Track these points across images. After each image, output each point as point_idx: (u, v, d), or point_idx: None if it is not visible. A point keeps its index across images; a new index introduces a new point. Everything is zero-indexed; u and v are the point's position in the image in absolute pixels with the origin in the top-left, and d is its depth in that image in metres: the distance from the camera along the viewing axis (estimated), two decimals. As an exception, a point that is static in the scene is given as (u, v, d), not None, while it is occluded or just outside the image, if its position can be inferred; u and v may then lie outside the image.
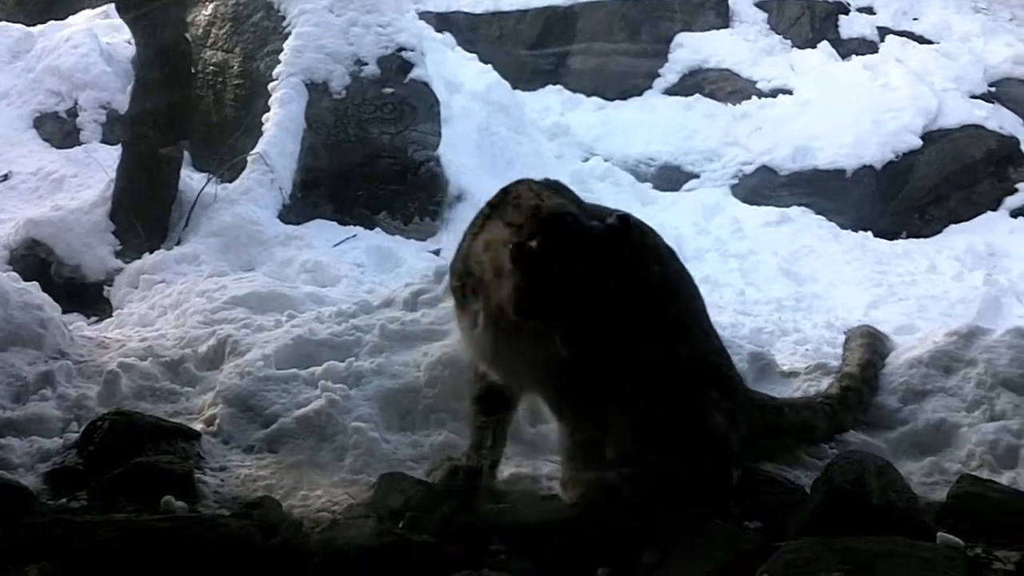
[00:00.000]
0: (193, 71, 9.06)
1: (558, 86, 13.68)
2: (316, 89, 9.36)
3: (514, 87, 12.56)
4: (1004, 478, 3.76)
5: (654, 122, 12.85)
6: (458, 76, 11.73)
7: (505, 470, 3.81)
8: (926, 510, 3.37)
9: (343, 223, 8.93)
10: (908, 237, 10.99)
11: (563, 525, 3.13)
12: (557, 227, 2.97)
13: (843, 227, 10.87)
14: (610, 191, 10.79)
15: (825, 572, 2.59)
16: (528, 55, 14.01)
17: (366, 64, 9.61)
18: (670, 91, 13.78)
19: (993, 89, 12.96)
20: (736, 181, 11.57)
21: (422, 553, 2.87)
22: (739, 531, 3.17)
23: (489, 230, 3.25)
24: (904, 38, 14.02)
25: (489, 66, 12.34)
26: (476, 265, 3.27)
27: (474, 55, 12.63)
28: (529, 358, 3.22)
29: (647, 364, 3.20)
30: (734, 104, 13.03)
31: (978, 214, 11.38)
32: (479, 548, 3.01)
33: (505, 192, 3.39)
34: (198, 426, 4.17)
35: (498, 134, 11.21)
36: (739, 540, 3.03)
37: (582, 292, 2.93)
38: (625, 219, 3.06)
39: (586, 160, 11.82)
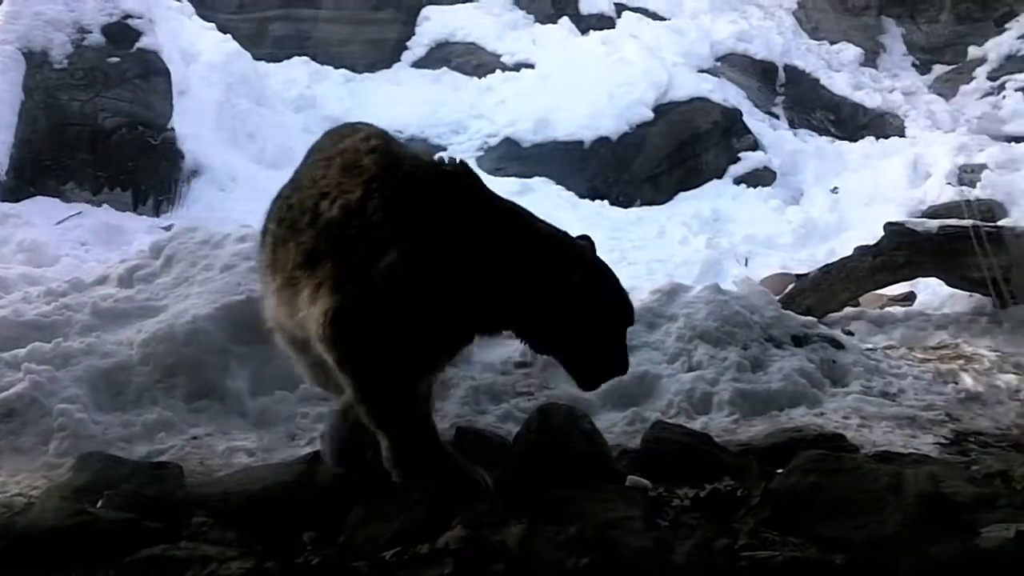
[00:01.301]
0: None
1: (304, 57, 13.52)
2: (34, 58, 8.83)
3: (256, 58, 12.30)
4: (698, 423, 4.03)
5: (402, 95, 12.91)
6: (195, 46, 11.36)
7: (222, 443, 3.76)
8: (622, 456, 3.57)
9: (67, 200, 8.48)
10: (642, 205, 11.52)
11: (268, 493, 3.12)
12: None
13: (581, 196, 11.30)
14: (356, 164, 10.74)
15: (516, 521, 2.70)
16: (271, 24, 13.76)
17: (90, 32, 9.15)
18: (418, 64, 13.92)
19: (719, 64, 13.78)
20: (482, 153, 11.79)
21: (117, 530, 2.79)
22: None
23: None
24: (639, 14, 14.68)
25: (229, 36, 12.00)
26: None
27: (212, 24, 12.26)
28: None
29: None
30: (480, 77, 13.29)
31: (705, 181, 12.05)
32: (180, 521, 2.96)
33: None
34: None
35: (239, 107, 10.95)
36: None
37: None
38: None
39: (334, 133, 11.69)
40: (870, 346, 5.30)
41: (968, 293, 6.35)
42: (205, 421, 3.91)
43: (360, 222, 2.83)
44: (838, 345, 4.79)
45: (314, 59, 13.54)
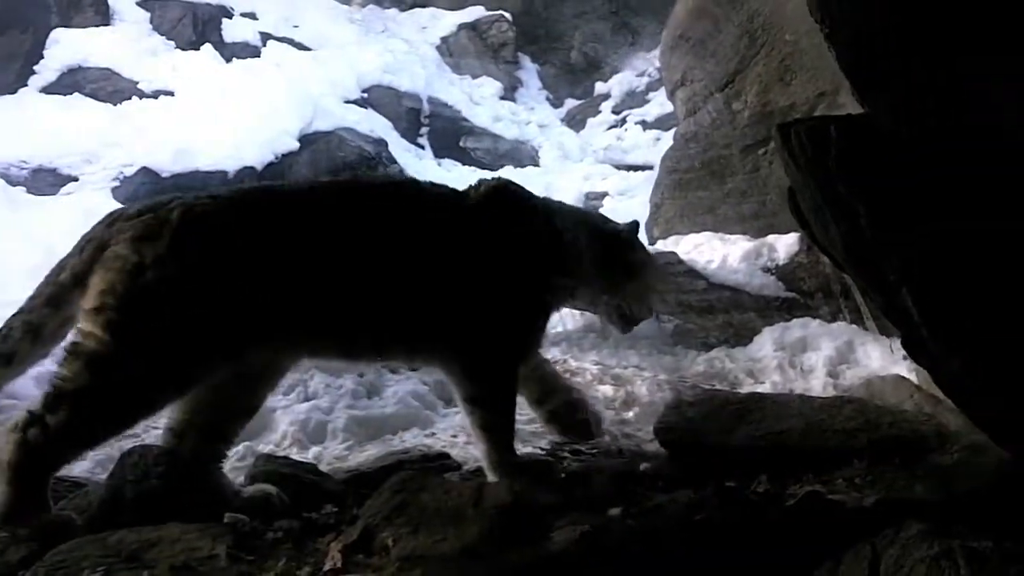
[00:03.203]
0: None
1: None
2: None
3: None
4: (311, 453, 4.07)
5: (28, 122, 12.03)
6: None
7: None
8: (226, 490, 3.53)
9: None
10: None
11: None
12: None
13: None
14: (-22, 196, 9.92)
15: (89, 569, 2.60)
16: None
17: None
18: (48, 89, 13.04)
19: (365, 95, 13.98)
20: (117, 183, 11.19)
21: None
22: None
23: None
24: (285, 44, 14.63)
25: None
26: None
27: None
28: None
29: None
30: (115, 104, 12.64)
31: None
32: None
33: None
34: None
35: None
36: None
37: None
38: None
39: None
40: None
41: (580, 312, 6.80)
42: None
43: None
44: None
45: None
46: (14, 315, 3.12)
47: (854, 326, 5.65)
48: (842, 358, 5.38)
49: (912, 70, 2.38)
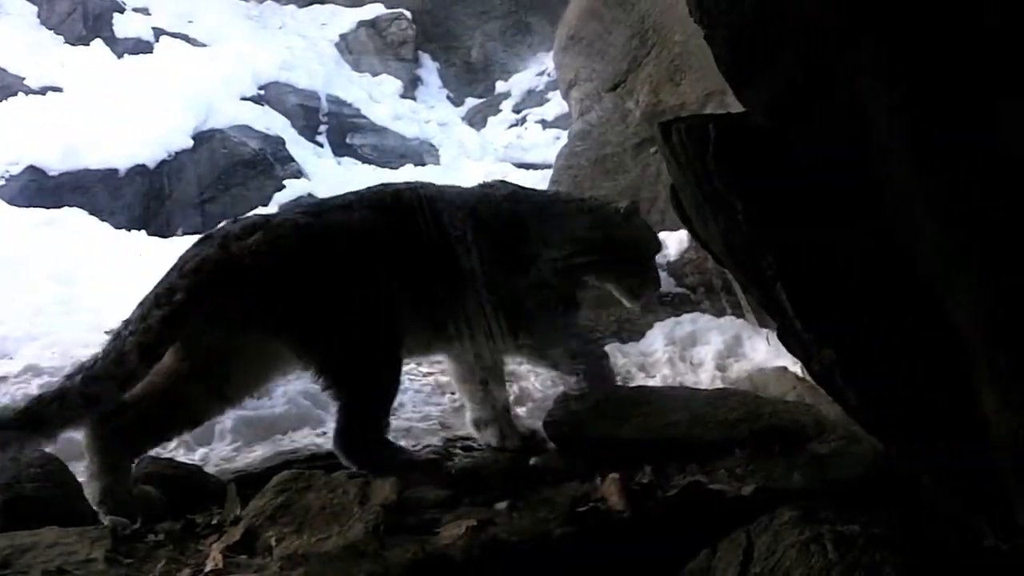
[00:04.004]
0: None
1: None
2: None
3: None
4: (197, 454, 4.01)
5: (-99, 120, 11.62)
6: None
7: None
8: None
9: None
10: (184, 234, 11.18)
11: None
12: None
13: (117, 227, 10.77)
14: None
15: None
16: None
17: None
18: (-75, 85, 12.61)
19: (262, 92, 13.79)
20: (3, 182, 10.89)
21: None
22: None
23: None
24: (179, 40, 14.35)
25: None
26: None
27: None
28: None
29: None
30: (0, 101, 12.28)
31: (251, 209, 11.93)
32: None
33: None
34: None
35: None
36: None
37: None
38: None
39: None
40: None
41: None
42: None
43: None
44: (345, 366, 4.96)
45: None
46: (124, 338, 3.20)
47: (741, 320, 5.78)
48: (730, 352, 5.49)
49: (782, 68, 2.44)
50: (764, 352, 5.34)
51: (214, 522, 3.04)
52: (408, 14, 16.39)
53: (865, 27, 2.06)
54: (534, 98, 14.71)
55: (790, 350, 2.86)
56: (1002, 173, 1.90)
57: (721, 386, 4.69)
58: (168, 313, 3.22)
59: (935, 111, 1.97)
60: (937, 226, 2.10)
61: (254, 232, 3.39)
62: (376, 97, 14.98)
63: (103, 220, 10.75)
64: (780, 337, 2.86)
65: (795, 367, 4.47)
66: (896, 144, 2.10)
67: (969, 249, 2.04)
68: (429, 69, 16.15)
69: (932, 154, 1.99)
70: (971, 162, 1.95)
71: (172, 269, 3.40)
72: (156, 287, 3.34)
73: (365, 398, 3.48)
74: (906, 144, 2.09)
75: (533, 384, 5.06)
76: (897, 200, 2.21)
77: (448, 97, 15.79)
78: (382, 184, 3.90)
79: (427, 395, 4.89)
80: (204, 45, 14.36)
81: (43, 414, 3.05)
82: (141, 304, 3.29)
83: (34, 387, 4.42)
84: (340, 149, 13.96)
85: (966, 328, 2.21)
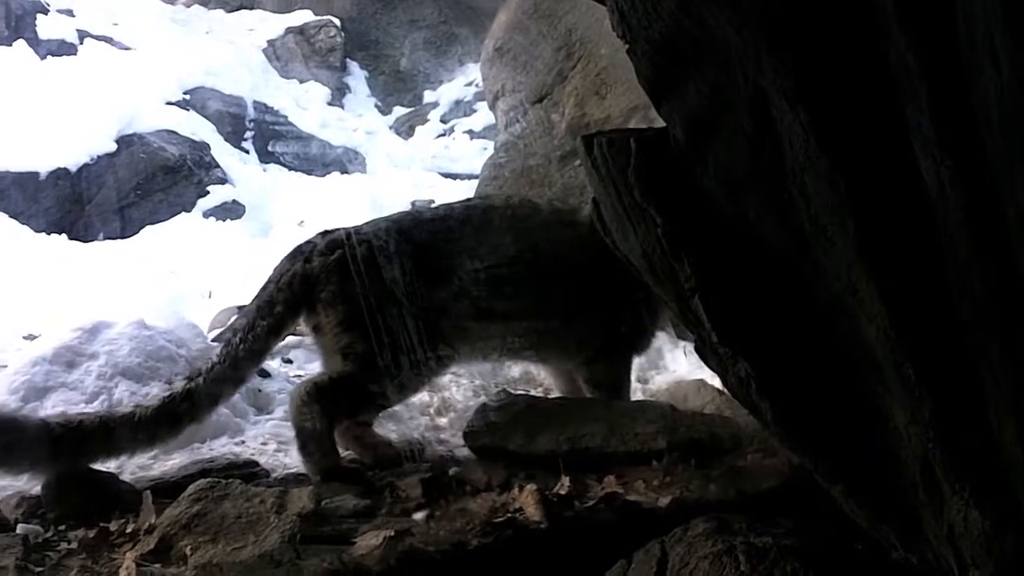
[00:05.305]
0: None
1: None
2: None
3: None
4: (114, 462, 3.92)
5: None
6: None
7: None
8: (21, 503, 3.39)
9: None
10: (105, 239, 11.01)
11: None
12: None
13: (37, 231, 10.56)
14: None
15: None
16: None
17: None
18: None
19: (188, 97, 13.57)
20: (-80, 183, 10.60)
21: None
22: None
23: None
24: (104, 43, 14.08)
25: None
26: None
27: None
28: None
29: None
30: (-84, 102, 11.94)
31: (174, 214, 11.79)
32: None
33: None
34: None
35: None
36: None
37: None
38: None
39: None
40: (301, 373, 5.48)
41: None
42: None
43: None
44: (265, 374, 4.94)
45: None
46: (236, 345, 3.83)
47: (662, 333, 5.83)
48: (652, 364, 5.53)
49: (697, 85, 2.48)
50: (686, 364, 5.40)
51: (128, 530, 3.00)
52: (337, 21, 16.29)
53: (768, 48, 2.10)
54: (462, 108, 14.71)
55: (707, 363, 2.91)
56: (902, 184, 1.95)
57: (641, 398, 4.73)
58: (272, 323, 3.86)
59: (838, 130, 2.03)
60: (846, 239, 2.16)
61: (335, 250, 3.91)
62: (303, 104, 14.85)
63: (22, 223, 10.52)
64: (698, 350, 2.91)
65: (713, 380, 4.53)
66: (807, 162, 2.15)
67: (876, 261, 2.10)
68: (357, 77, 16.06)
69: (839, 170, 2.04)
70: (875, 175, 2.01)
71: (269, 281, 3.96)
72: (257, 299, 3.95)
73: None
74: (817, 161, 2.14)
75: (455, 395, 5.06)
76: (811, 215, 2.26)
77: (376, 106, 15.71)
78: (467, 199, 4.48)
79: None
80: (129, 48, 14.11)
81: (176, 412, 3.67)
82: (246, 314, 3.95)
83: None
84: (266, 156, 13.80)
85: (875, 342, 2.26)
